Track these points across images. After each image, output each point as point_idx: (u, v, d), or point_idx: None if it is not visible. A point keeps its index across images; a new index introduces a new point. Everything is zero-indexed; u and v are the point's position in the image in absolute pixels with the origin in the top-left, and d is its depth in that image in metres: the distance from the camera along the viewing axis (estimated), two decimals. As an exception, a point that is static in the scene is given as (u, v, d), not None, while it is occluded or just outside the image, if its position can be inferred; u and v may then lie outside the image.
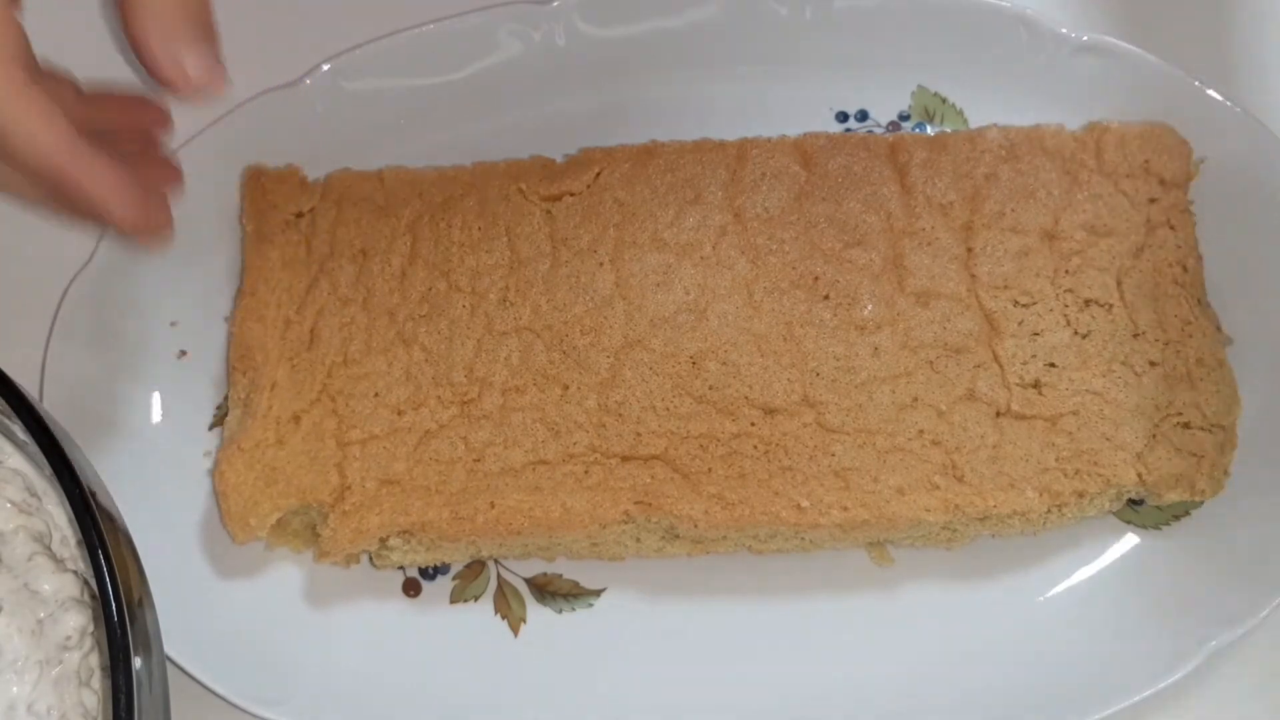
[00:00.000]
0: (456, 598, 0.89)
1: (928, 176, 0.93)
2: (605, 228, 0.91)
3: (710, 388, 0.86)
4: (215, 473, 0.85)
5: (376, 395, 0.88)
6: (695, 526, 0.84)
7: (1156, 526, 0.89)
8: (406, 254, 0.92)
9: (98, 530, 0.67)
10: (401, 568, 0.90)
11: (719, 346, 0.88)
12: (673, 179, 0.93)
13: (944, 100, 1.01)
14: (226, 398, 0.90)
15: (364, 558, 0.89)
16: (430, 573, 0.90)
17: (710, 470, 0.84)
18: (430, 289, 0.91)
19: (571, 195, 0.93)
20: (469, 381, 0.88)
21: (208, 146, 0.96)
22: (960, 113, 1.00)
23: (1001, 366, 0.87)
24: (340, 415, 0.87)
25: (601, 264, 0.91)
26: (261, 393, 0.88)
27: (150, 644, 0.69)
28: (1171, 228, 0.91)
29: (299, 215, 0.93)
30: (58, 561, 0.72)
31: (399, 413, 0.87)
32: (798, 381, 0.87)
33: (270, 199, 0.93)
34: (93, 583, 0.68)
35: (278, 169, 0.94)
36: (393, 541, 0.85)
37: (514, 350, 0.88)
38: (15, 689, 0.68)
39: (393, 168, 0.95)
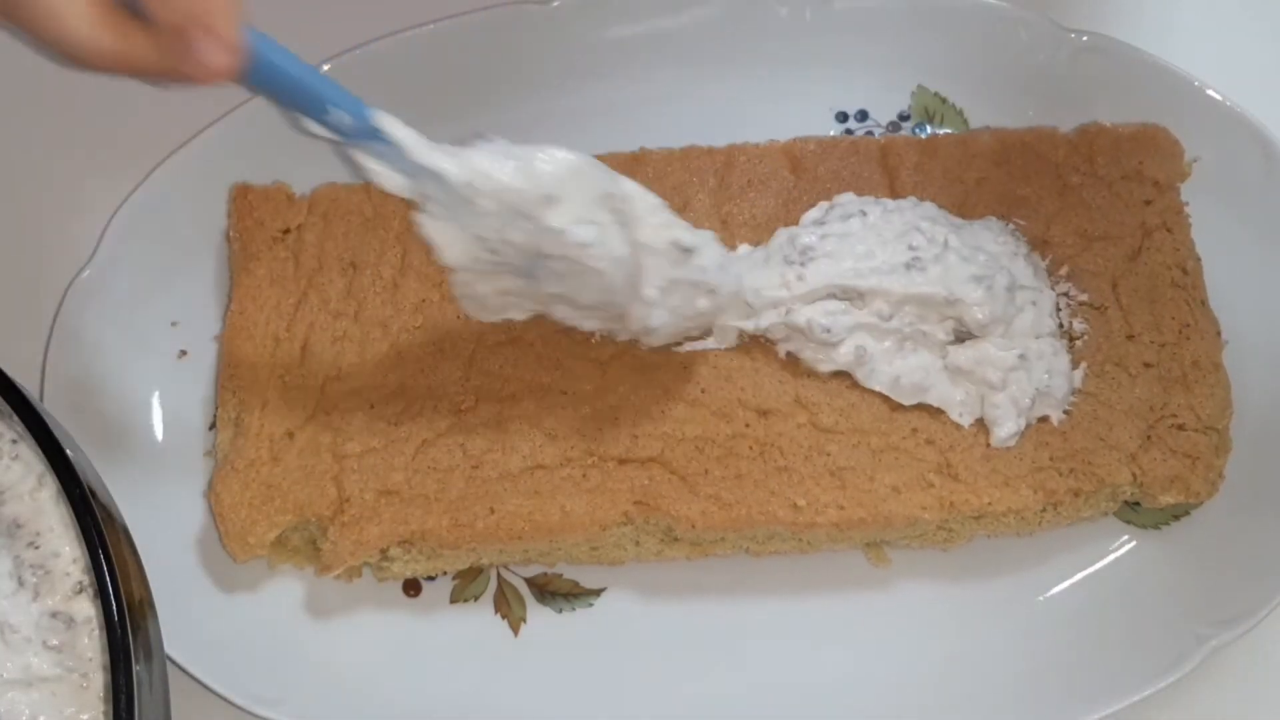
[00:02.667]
0: (456, 597, 0.89)
1: (918, 181, 0.93)
2: (593, 233, 0.91)
3: (703, 391, 0.86)
4: (210, 494, 0.86)
5: (372, 407, 0.87)
6: (693, 527, 0.84)
7: (1155, 527, 0.89)
8: (397, 265, 0.92)
9: (97, 529, 0.67)
10: (402, 573, 0.90)
11: (709, 351, 0.88)
12: (660, 187, 0.92)
13: (944, 100, 1.01)
14: (216, 417, 0.90)
15: (366, 571, 0.89)
16: (430, 572, 0.90)
17: (707, 471, 0.84)
18: (423, 300, 0.91)
19: None
20: (465, 390, 0.88)
21: (210, 145, 0.96)
22: (960, 113, 1.00)
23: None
24: (335, 429, 0.87)
25: None
26: (252, 411, 0.88)
27: (151, 643, 0.69)
28: (1168, 230, 0.91)
29: (285, 231, 0.93)
30: None
31: (395, 424, 0.87)
32: (789, 383, 0.87)
33: (257, 216, 0.93)
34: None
35: (264, 186, 0.94)
36: (393, 552, 0.85)
37: (509, 358, 0.88)
38: None
39: (381, 180, 0.95)
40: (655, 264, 0.79)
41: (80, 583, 0.70)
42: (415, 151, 0.72)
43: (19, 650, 0.69)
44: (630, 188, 0.79)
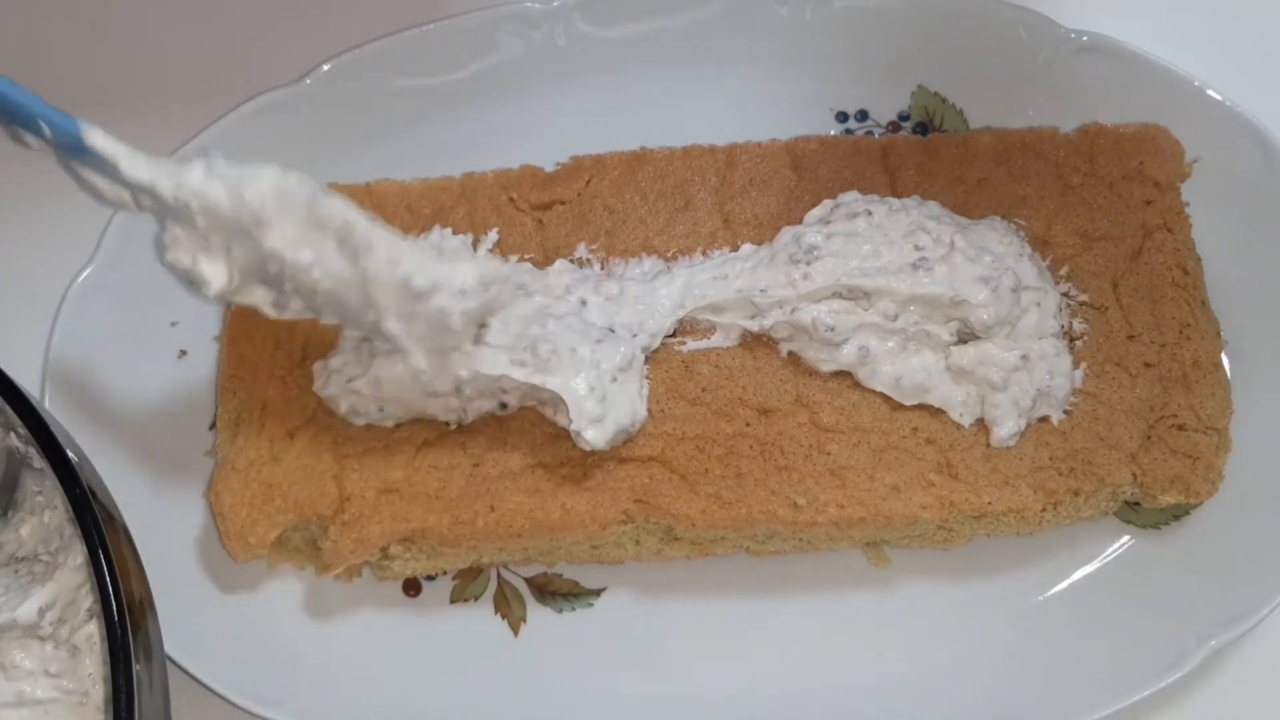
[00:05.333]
0: (457, 597, 0.89)
1: (920, 181, 0.93)
2: (596, 235, 0.92)
3: (704, 390, 0.87)
4: (211, 494, 0.85)
5: None
6: (693, 526, 0.84)
7: (1156, 526, 0.89)
8: (398, 266, 0.92)
9: (98, 529, 0.67)
10: (402, 574, 0.90)
11: (710, 350, 0.88)
12: (663, 185, 0.93)
13: (944, 100, 1.01)
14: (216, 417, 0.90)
15: (365, 571, 0.89)
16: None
17: (707, 470, 0.84)
18: None
19: (562, 204, 0.93)
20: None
21: (210, 144, 0.96)
22: (960, 112, 1.00)
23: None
24: (336, 428, 0.87)
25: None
26: (253, 412, 0.88)
27: (151, 643, 0.69)
28: (1169, 230, 0.91)
29: None
30: None
31: (396, 423, 0.87)
32: (790, 382, 0.87)
33: None
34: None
35: None
36: (393, 550, 0.85)
37: None
38: None
39: (380, 181, 0.95)
40: (389, 297, 0.77)
41: (90, 610, 0.70)
42: (127, 167, 0.72)
43: (14, 679, 0.69)
44: (351, 216, 0.76)
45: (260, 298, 0.78)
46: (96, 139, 0.72)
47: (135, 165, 0.72)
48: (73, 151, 0.72)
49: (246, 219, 0.73)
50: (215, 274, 0.75)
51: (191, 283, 0.76)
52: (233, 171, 0.73)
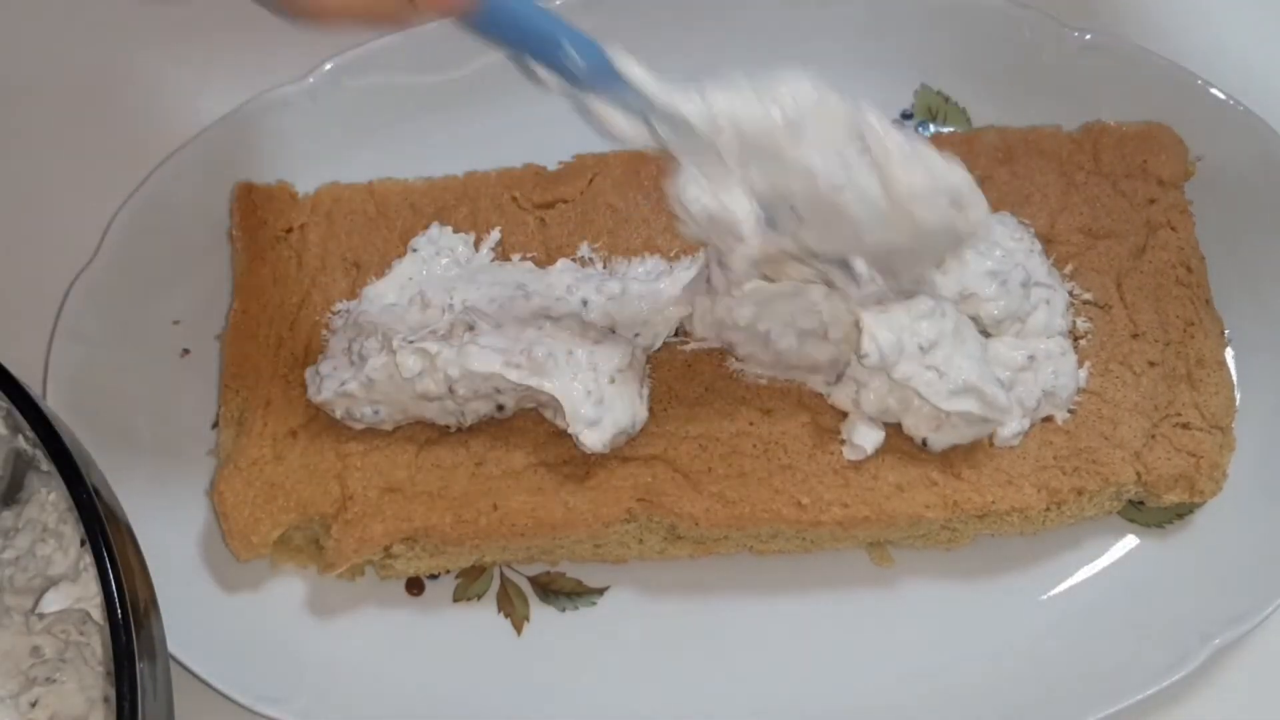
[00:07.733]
0: (459, 596, 0.89)
1: (923, 180, 0.93)
2: (599, 234, 0.91)
3: (706, 389, 0.86)
4: (214, 493, 0.85)
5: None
6: (696, 525, 0.84)
7: (1159, 525, 0.89)
8: (401, 265, 0.92)
9: (101, 528, 0.67)
10: (404, 571, 0.90)
11: (712, 349, 0.88)
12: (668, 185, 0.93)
13: (947, 99, 1.01)
14: (219, 416, 0.90)
15: (368, 570, 0.89)
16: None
17: (710, 469, 0.84)
18: None
19: (564, 202, 0.93)
20: None
21: (214, 142, 0.96)
22: (963, 111, 1.00)
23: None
24: (339, 428, 0.87)
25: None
26: (256, 410, 0.88)
27: (154, 643, 0.69)
28: (1172, 228, 0.91)
29: (288, 230, 0.93)
30: None
31: (395, 426, 0.87)
32: (793, 380, 0.87)
33: (260, 215, 0.93)
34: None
35: (267, 185, 0.94)
36: (396, 549, 0.85)
37: None
38: None
39: (383, 180, 0.95)
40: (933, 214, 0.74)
41: None
42: (655, 93, 0.68)
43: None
44: (890, 138, 0.72)
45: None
46: (623, 64, 0.67)
47: (663, 91, 0.68)
48: (591, 81, 0.68)
49: (782, 134, 0.69)
50: (743, 209, 0.71)
51: (714, 227, 0.71)
52: (760, 84, 0.69)
